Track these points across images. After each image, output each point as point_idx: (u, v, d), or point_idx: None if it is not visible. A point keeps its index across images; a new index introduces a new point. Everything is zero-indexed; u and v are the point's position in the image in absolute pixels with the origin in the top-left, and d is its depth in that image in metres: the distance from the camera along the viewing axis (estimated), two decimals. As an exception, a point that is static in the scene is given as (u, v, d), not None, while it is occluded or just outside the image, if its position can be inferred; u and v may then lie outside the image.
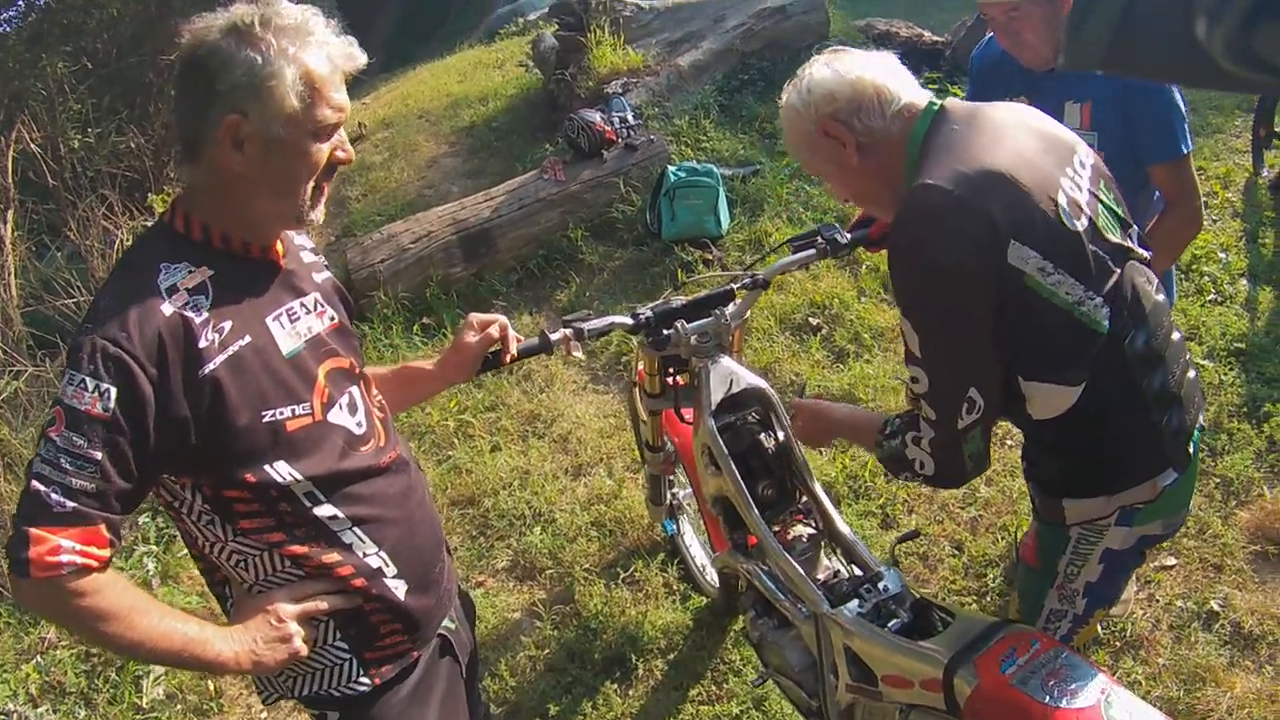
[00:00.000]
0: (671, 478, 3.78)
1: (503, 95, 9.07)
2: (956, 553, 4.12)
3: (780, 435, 2.95)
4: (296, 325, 1.97)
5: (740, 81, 8.07)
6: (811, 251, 3.04)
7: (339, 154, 1.91)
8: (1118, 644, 3.65)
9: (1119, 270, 2.14)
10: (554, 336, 2.59)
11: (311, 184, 1.89)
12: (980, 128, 2.12)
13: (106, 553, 1.72)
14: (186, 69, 1.81)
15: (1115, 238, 2.17)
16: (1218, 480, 4.31)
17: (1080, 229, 2.06)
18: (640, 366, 3.20)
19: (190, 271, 1.82)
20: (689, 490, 3.83)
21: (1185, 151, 3.09)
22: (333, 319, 2.08)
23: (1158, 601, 3.85)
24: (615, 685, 3.68)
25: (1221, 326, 5.06)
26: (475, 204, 6.62)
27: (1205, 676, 3.49)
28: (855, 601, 2.56)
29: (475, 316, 2.47)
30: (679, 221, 6.30)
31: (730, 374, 2.93)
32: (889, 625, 2.47)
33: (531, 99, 8.89)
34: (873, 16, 9.37)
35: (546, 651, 3.87)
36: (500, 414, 5.25)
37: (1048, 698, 2.00)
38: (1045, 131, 2.22)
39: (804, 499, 2.95)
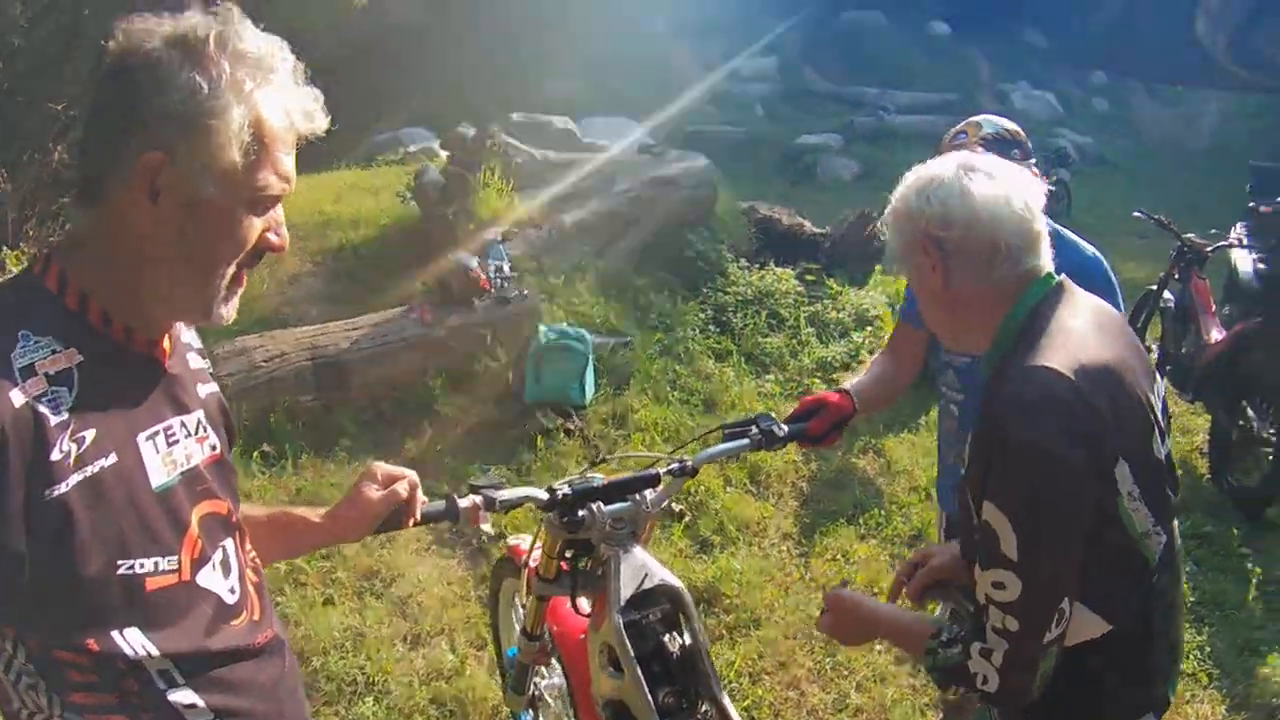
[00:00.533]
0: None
1: (376, 223, 8.77)
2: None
3: (687, 639, 2.69)
4: (174, 451, 1.54)
5: (621, 248, 7.99)
6: (745, 442, 2.81)
7: (272, 237, 1.55)
8: None
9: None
10: (462, 504, 2.28)
11: (232, 268, 1.51)
12: (1095, 323, 1.97)
13: None
14: (111, 80, 1.42)
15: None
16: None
17: (1162, 456, 1.97)
18: (535, 546, 2.90)
19: (55, 352, 1.40)
20: (550, 681, 3.51)
21: None
22: (214, 448, 1.65)
23: None
24: None
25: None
26: (337, 331, 6.27)
27: None
28: None
29: (380, 468, 2.07)
30: (544, 385, 6.08)
31: (643, 567, 2.67)
32: None
33: (405, 231, 8.60)
34: (755, 201, 9.46)
35: None
36: (335, 564, 4.80)
37: None
38: (1140, 350, 2.09)
39: (705, 708, 2.67)
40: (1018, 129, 3.10)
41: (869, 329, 7.51)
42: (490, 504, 2.33)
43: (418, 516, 2.12)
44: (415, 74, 13.06)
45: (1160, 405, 2.05)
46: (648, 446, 5.81)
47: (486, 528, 2.48)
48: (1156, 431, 1.96)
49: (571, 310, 7.10)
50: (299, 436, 5.70)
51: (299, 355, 6.01)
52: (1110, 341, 1.95)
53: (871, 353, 7.18)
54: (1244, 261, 6.67)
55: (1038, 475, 1.80)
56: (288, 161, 1.51)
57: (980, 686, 1.92)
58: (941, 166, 2.02)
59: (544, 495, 2.52)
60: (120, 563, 1.42)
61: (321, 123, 1.54)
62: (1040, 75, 21.82)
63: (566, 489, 2.56)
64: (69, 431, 1.37)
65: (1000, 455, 1.83)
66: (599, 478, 2.67)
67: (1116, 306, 3.07)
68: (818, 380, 6.89)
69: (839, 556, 5.16)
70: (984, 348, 2.04)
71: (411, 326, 6.37)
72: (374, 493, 2.02)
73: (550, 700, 3.52)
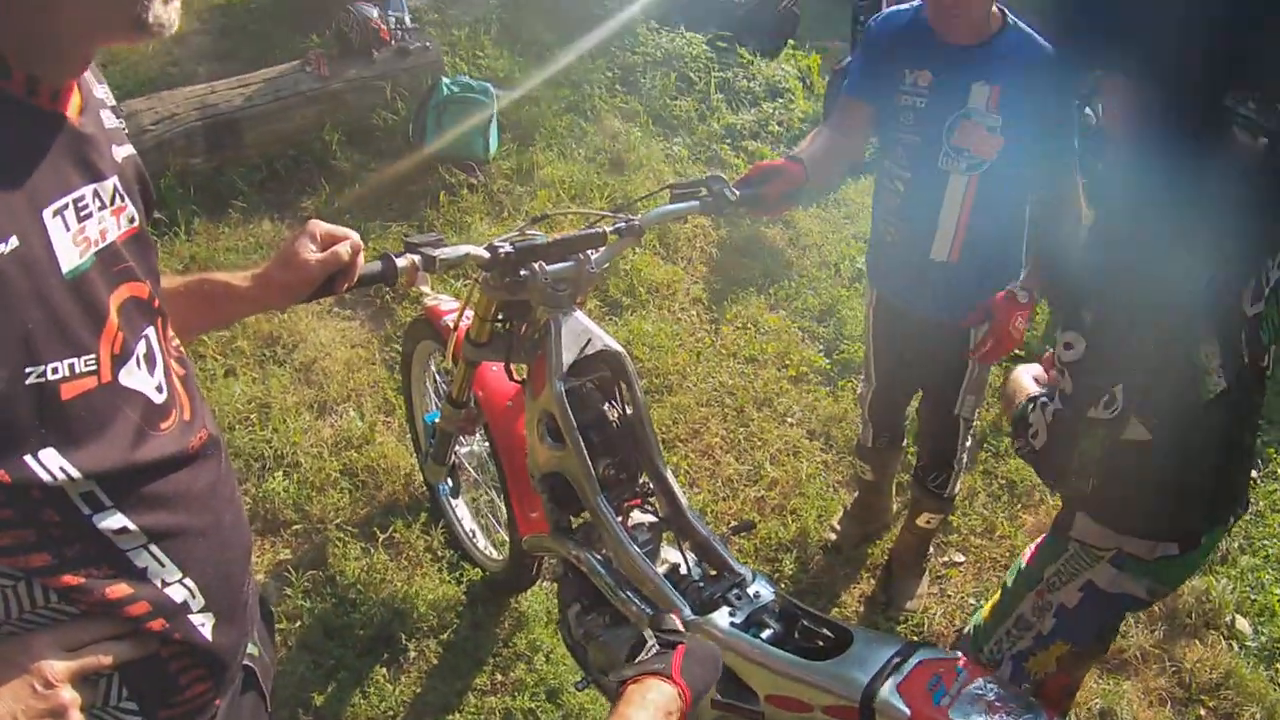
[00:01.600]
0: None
1: None
2: (746, 535, 3.87)
3: (629, 409, 2.57)
4: (86, 227, 1.24)
5: (528, 2, 7.47)
6: (694, 204, 2.65)
7: None
8: (915, 638, 3.51)
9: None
10: (400, 263, 2.06)
11: None
12: None
13: None
14: None
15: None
16: (1003, 483, 4.35)
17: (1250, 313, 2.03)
18: (463, 309, 2.73)
19: None
20: (469, 448, 3.40)
21: (1075, 154, 3.02)
22: (132, 220, 1.36)
23: (950, 598, 3.82)
24: (384, 670, 3.20)
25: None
26: (227, 89, 5.78)
27: None
28: (726, 610, 2.28)
29: (319, 226, 1.83)
30: (446, 137, 5.73)
31: (584, 332, 2.52)
32: (761, 636, 2.22)
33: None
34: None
35: (299, 625, 3.31)
36: (235, 332, 4.53)
37: None
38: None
39: (644, 479, 2.60)
40: None
41: (780, 100, 7.28)
42: (429, 263, 2.12)
43: (353, 280, 1.90)
44: None
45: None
46: (553, 203, 5.60)
47: (425, 289, 2.29)
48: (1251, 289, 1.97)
49: (475, 63, 6.70)
50: (190, 201, 5.33)
51: (189, 115, 5.55)
52: None
53: (780, 124, 7.01)
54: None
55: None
56: None
57: (1030, 439, 2.07)
58: None
59: (485, 253, 2.32)
60: (29, 369, 1.15)
61: None
62: None
63: (509, 247, 2.36)
64: None
65: None
66: (541, 235, 2.48)
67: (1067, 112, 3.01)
68: (726, 146, 6.69)
69: (749, 325, 5.09)
70: None
71: (307, 80, 5.93)
72: (312, 254, 1.79)
73: (470, 468, 3.43)
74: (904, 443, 3.89)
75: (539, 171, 5.87)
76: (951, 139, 2.95)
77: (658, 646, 1.73)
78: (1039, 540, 2.46)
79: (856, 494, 4.03)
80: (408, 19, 6.33)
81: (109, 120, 1.37)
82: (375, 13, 6.15)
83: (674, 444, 4.27)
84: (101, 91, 1.38)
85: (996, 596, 2.54)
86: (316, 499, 3.76)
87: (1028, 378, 2.32)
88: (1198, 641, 3.77)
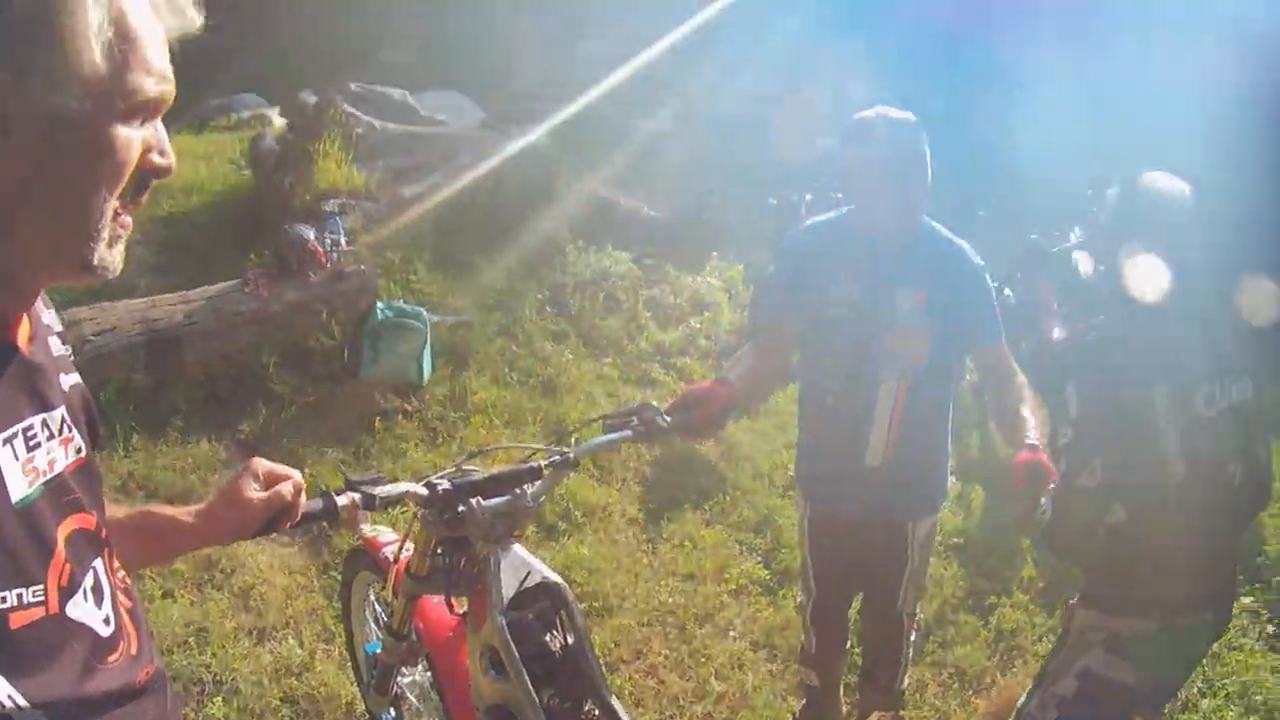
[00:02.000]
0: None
1: (208, 191, 8.41)
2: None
3: (569, 638, 2.59)
4: (35, 457, 1.24)
5: (460, 224, 7.74)
6: (627, 433, 2.72)
7: (156, 157, 1.22)
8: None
9: None
10: (340, 501, 2.10)
11: (114, 201, 1.20)
12: None
13: None
14: None
15: None
16: (952, 670, 4.36)
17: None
18: (403, 542, 2.75)
19: None
20: (411, 678, 3.36)
21: (1002, 334, 3.17)
22: (79, 451, 1.35)
23: None
24: None
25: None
26: (169, 305, 5.90)
27: None
28: None
29: (262, 465, 1.86)
30: (381, 364, 5.86)
31: (524, 565, 2.55)
32: None
33: (239, 201, 8.28)
34: (595, 183, 9.27)
35: None
36: None
37: None
38: None
39: (589, 707, 2.57)
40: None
41: (706, 314, 7.51)
42: (369, 502, 2.17)
43: (295, 519, 1.92)
44: (244, 38, 12.50)
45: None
46: (487, 430, 5.67)
47: (365, 527, 2.33)
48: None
49: (408, 287, 6.88)
50: (129, 416, 5.36)
51: (130, 328, 5.65)
52: None
53: (708, 338, 7.18)
54: (1085, 263, 6.85)
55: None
56: (161, 59, 1.21)
57: (1040, 517, 2.53)
58: None
59: (423, 491, 2.37)
60: None
61: (194, 18, 1.26)
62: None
63: (446, 484, 2.41)
64: None
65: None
66: (477, 471, 2.53)
67: (989, 298, 3.18)
68: (656, 365, 6.85)
69: (685, 542, 5.12)
70: None
71: (247, 300, 6.06)
72: (255, 493, 1.82)
73: (413, 699, 3.38)
74: (848, 644, 3.91)
75: (473, 397, 5.96)
76: (882, 347, 3.05)
77: None
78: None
79: (804, 701, 3.99)
80: (343, 240, 6.51)
81: (56, 347, 1.38)
82: (311, 234, 6.33)
83: (617, 666, 4.24)
84: (49, 317, 1.39)
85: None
86: (256, 727, 3.67)
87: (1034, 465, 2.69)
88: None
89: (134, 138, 1.18)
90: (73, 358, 1.46)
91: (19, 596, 1.18)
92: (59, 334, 1.42)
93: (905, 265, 3.09)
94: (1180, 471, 2.45)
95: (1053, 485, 2.54)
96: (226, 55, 12.45)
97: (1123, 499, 2.46)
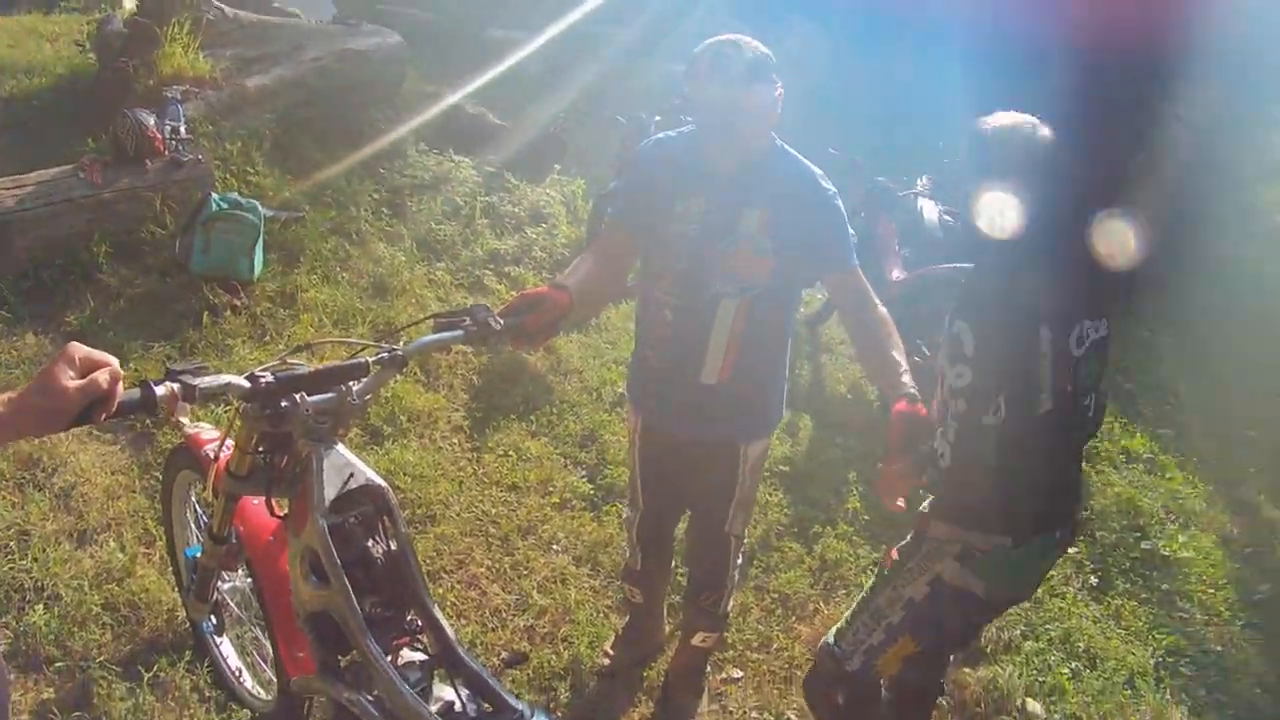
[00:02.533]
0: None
1: (51, 72, 7.94)
2: (520, 665, 3.81)
3: (394, 545, 2.52)
4: None
5: (301, 119, 7.45)
6: (459, 333, 2.64)
7: None
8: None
9: None
10: (159, 391, 1.99)
11: None
12: None
13: None
14: None
15: None
16: (776, 596, 4.43)
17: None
18: (224, 440, 2.63)
19: None
20: (232, 583, 3.26)
21: (856, 263, 3.11)
22: None
23: (731, 713, 3.87)
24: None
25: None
26: (1, 188, 5.56)
27: None
28: None
29: (79, 350, 1.76)
30: (212, 256, 5.61)
31: (346, 466, 2.47)
32: None
33: (80, 85, 7.81)
34: (441, 88, 8.94)
35: (68, 773, 3.07)
36: None
37: None
38: None
39: (411, 616, 2.53)
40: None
41: (543, 226, 7.40)
42: (189, 393, 2.05)
43: (112, 409, 1.82)
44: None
45: None
46: (315, 328, 5.51)
47: (184, 419, 2.21)
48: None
49: (245, 180, 6.60)
50: (-49, 312, 5.05)
51: None
52: None
53: (543, 250, 7.09)
54: (929, 210, 6.95)
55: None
56: None
57: (940, 462, 2.59)
58: None
59: (245, 383, 2.26)
60: None
61: None
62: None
63: (270, 377, 2.31)
64: None
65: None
66: (303, 365, 2.44)
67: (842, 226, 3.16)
68: (489, 272, 6.73)
69: (510, 453, 5.08)
70: None
71: (80, 186, 5.76)
72: (70, 381, 1.72)
73: (233, 605, 3.28)
74: (673, 564, 3.93)
75: (303, 295, 5.79)
76: (722, 265, 3.03)
77: None
78: (898, 545, 2.89)
79: (627, 618, 4.01)
80: (183, 129, 6.23)
81: None
82: (152, 120, 6.05)
83: (439, 576, 4.19)
84: None
85: (856, 599, 2.98)
86: (79, 634, 3.53)
87: (911, 417, 2.77)
88: (989, 729, 3.90)
89: None
90: None
91: None
92: None
93: (751, 185, 3.07)
94: (1048, 404, 2.59)
95: (942, 430, 2.61)
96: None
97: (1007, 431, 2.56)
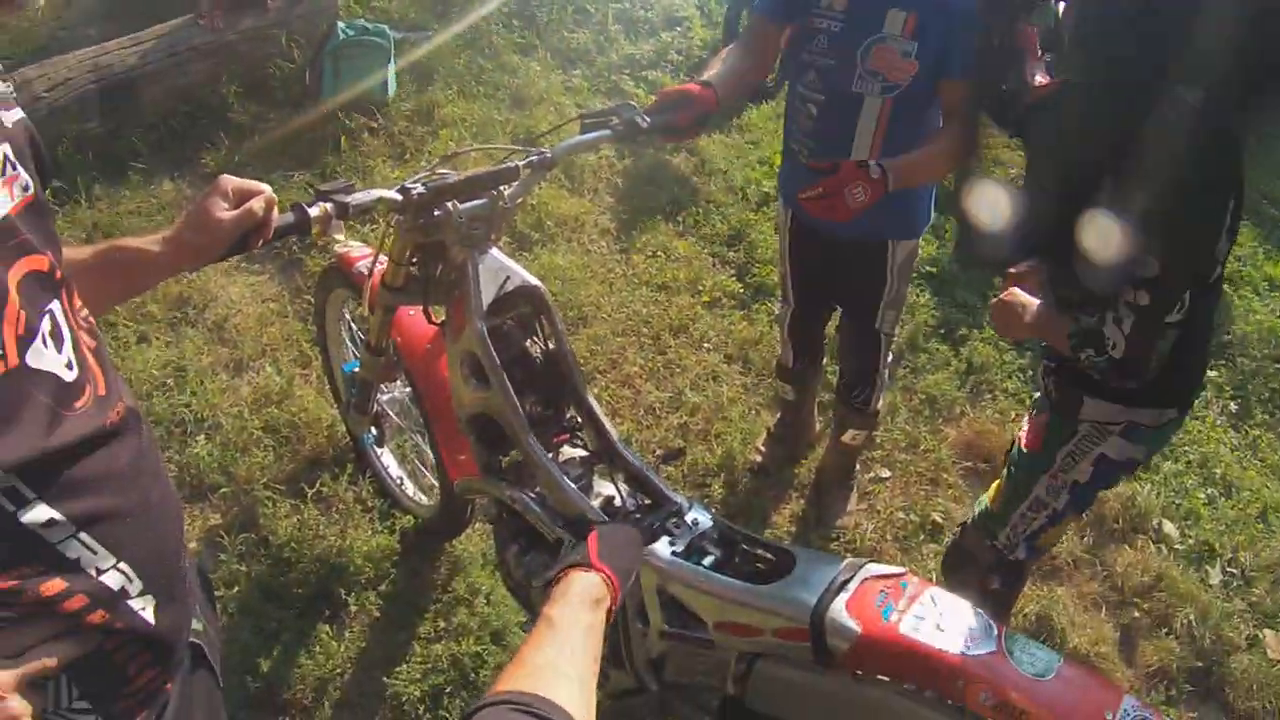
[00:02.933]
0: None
1: None
2: (675, 463, 3.92)
3: (551, 344, 2.56)
4: None
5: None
6: (606, 132, 2.61)
7: None
8: (846, 554, 3.56)
9: None
10: (313, 212, 2.01)
11: None
12: None
13: None
14: None
15: None
16: (923, 397, 4.40)
17: None
18: (377, 254, 2.68)
19: None
20: (391, 395, 3.36)
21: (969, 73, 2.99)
22: (26, 189, 1.28)
23: (879, 513, 3.86)
24: (327, 628, 3.17)
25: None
26: (120, 49, 5.56)
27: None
28: (666, 540, 2.27)
29: (230, 181, 1.77)
30: (344, 81, 5.60)
31: (502, 270, 2.49)
32: (704, 563, 2.22)
33: None
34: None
35: (237, 591, 3.26)
36: (144, 297, 4.36)
37: (948, 646, 1.90)
38: None
39: (571, 413, 2.59)
40: None
41: (678, 29, 7.20)
42: (342, 210, 2.06)
43: (269, 235, 1.84)
44: None
45: None
46: (456, 142, 5.51)
47: (339, 236, 2.24)
48: None
49: (369, 5, 6.55)
50: (89, 167, 5.14)
51: (82, 79, 5.34)
52: None
53: (679, 53, 6.93)
54: (1068, 16, 6.58)
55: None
56: None
57: (1109, 350, 2.24)
58: None
59: (397, 195, 2.27)
60: None
61: None
62: None
63: (420, 187, 2.31)
64: None
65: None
66: (452, 174, 2.43)
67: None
68: (626, 77, 6.61)
69: (659, 253, 5.07)
70: None
71: (200, 34, 5.73)
72: (224, 212, 1.74)
73: (393, 415, 3.38)
74: (824, 361, 3.92)
75: (439, 111, 5.76)
76: (866, 63, 2.93)
77: (573, 541, 1.71)
78: (1031, 427, 2.66)
79: (779, 415, 4.05)
80: None
81: None
82: (269, -41, 5.97)
83: (593, 375, 4.26)
84: None
85: (1000, 483, 2.77)
86: (241, 460, 3.69)
87: (1027, 296, 2.54)
88: (1127, 546, 3.88)
89: None
90: (14, 94, 1.35)
91: None
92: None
93: None
94: (1217, 270, 2.34)
95: (1113, 315, 2.25)
96: None
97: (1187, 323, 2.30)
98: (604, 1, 7.11)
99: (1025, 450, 2.67)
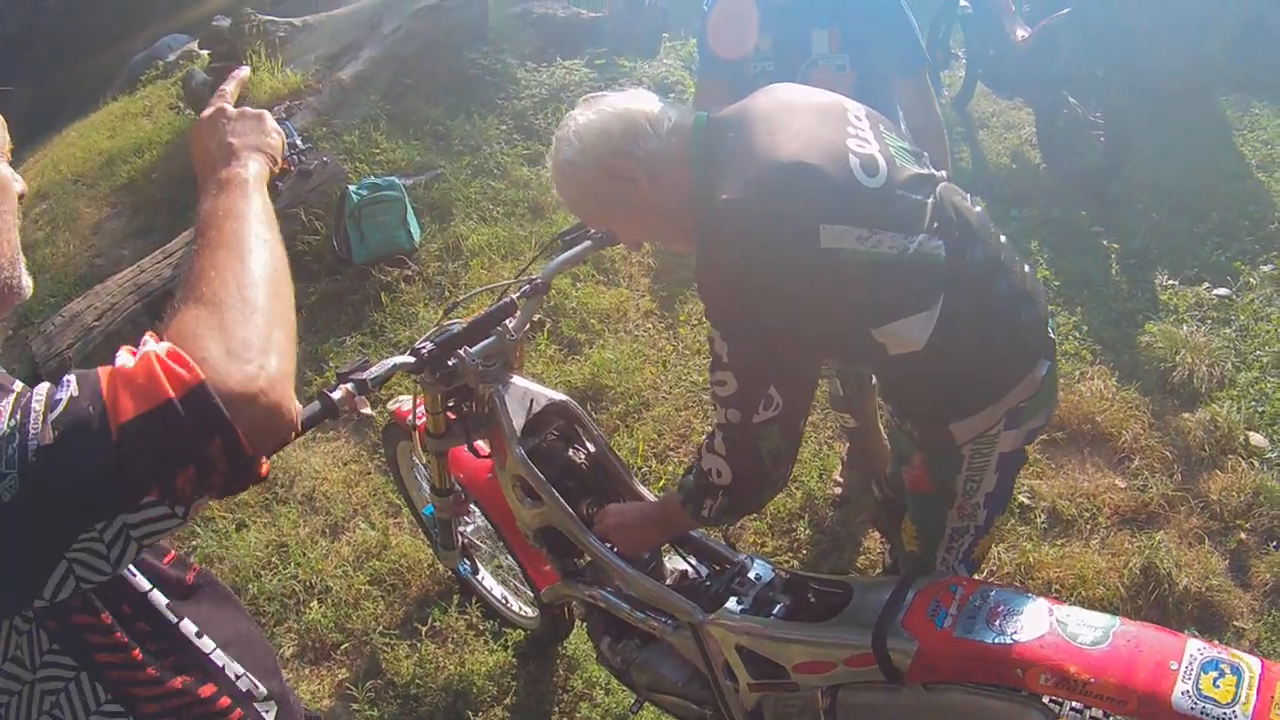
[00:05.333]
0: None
1: (157, 144, 8.35)
2: (756, 514, 4.03)
3: (591, 447, 2.76)
4: None
5: (405, 86, 7.65)
6: (587, 244, 2.83)
7: (16, 184, 1.39)
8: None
9: (930, 199, 2.15)
10: (336, 396, 2.19)
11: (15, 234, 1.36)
12: (754, 126, 2.13)
13: None
14: None
15: (915, 168, 2.18)
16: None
17: (880, 184, 2.08)
18: (415, 407, 2.89)
19: None
20: (475, 525, 3.56)
21: (924, 65, 3.12)
22: None
23: None
24: (462, 750, 3.37)
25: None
26: (155, 265, 5.97)
27: (1036, 566, 3.63)
28: (733, 600, 2.43)
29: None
30: (370, 242, 5.91)
31: (527, 394, 2.70)
32: (774, 614, 2.37)
33: (188, 142, 8.12)
34: (528, 2, 9.06)
35: (373, 735, 3.49)
36: None
37: (1001, 637, 1.99)
38: (813, 103, 2.23)
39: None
40: None
41: (673, 94, 7.42)
42: (362, 387, 2.25)
43: (299, 428, 2.04)
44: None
45: (866, 125, 2.20)
46: (487, 270, 5.75)
47: (368, 410, 2.45)
48: (857, 166, 2.07)
49: (374, 162, 6.88)
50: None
51: (127, 301, 5.73)
52: (785, 130, 2.10)
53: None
54: None
55: (734, 294, 2.06)
56: None
57: (717, 481, 2.21)
58: (563, 123, 2.34)
59: (410, 359, 2.48)
60: None
61: None
62: None
63: (429, 345, 2.53)
64: None
65: (703, 285, 2.13)
66: (457, 323, 2.65)
67: (908, 28, 3.16)
68: (633, 161, 6.81)
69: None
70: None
71: (225, 232, 6.05)
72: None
73: (479, 543, 3.59)
74: (872, 381, 4.04)
75: (465, 243, 6.02)
76: None
77: None
78: (913, 471, 2.47)
79: (848, 443, 4.15)
80: (299, 141, 6.39)
81: None
82: (268, 147, 6.27)
83: (665, 455, 4.42)
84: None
85: (911, 530, 2.59)
86: (355, 615, 3.90)
87: (621, 506, 2.62)
88: (1218, 471, 3.92)
89: (11, 173, 1.34)
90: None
91: None
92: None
93: (815, 4, 3.11)
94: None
95: (711, 445, 2.24)
96: (126, 12, 12.22)
97: (904, 338, 2.16)
98: (593, 92, 7.31)
99: (918, 494, 2.51)
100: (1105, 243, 5.53)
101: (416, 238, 6.04)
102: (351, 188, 6.02)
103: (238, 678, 1.56)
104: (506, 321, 2.68)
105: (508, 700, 3.49)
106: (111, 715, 1.39)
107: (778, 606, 2.39)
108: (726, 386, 2.09)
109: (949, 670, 2.06)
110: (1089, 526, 3.81)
